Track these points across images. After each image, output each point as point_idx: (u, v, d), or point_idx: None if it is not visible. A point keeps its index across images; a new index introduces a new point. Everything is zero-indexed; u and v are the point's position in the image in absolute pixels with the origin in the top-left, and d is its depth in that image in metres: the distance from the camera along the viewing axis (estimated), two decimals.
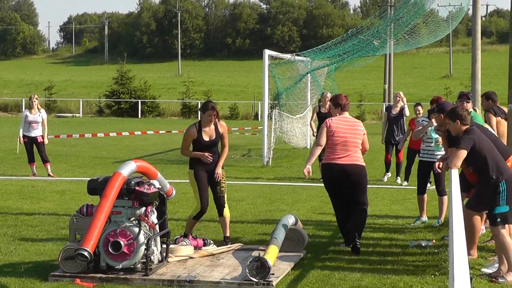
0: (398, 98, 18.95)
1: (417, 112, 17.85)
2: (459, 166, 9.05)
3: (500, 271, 9.04)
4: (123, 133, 31.43)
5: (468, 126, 9.15)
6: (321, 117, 18.74)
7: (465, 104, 11.07)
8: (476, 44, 18.81)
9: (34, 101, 19.62)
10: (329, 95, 19.11)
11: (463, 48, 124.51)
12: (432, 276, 9.05)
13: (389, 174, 19.10)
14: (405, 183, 18.22)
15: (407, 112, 18.72)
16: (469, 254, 9.13)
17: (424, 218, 13.04)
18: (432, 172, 12.87)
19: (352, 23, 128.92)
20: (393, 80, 58.70)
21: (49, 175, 19.39)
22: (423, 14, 23.35)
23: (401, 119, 18.75)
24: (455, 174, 8.71)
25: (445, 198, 12.72)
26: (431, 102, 12.78)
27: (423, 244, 10.97)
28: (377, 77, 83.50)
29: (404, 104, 18.92)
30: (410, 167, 18.17)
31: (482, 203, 9.29)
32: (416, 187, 13.24)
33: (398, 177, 18.83)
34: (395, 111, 18.85)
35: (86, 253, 8.48)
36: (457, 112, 9.22)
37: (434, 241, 11.16)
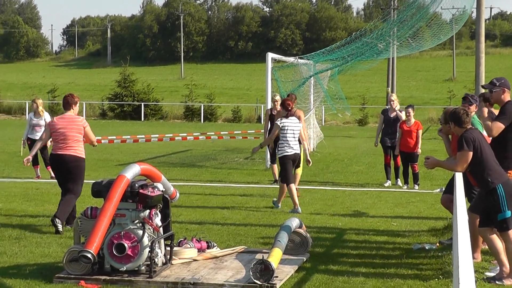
0: (392, 102, 18.98)
1: (408, 114, 18.03)
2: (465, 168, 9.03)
3: (503, 272, 9.03)
4: (127, 141, 31.27)
5: (467, 128, 9.11)
6: (272, 119, 18.70)
7: (468, 107, 11.00)
8: (479, 47, 18.74)
9: (38, 105, 19.62)
10: (278, 97, 19.33)
11: (466, 51, 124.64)
12: (436, 279, 9.05)
13: (389, 182, 18.93)
14: (405, 186, 18.33)
15: (402, 116, 18.63)
16: (472, 257, 9.12)
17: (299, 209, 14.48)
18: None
19: (355, 26, 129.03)
20: (396, 83, 58.69)
21: (52, 177, 19.39)
22: (427, 17, 23.33)
23: (398, 122, 18.68)
24: (459, 177, 8.72)
25: (284, 186, 14.49)
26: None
27: (427, 247, 10.97)
28: (380, 80, 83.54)
29: (396, 106, 18.93)
30: (406, 170, 18.41)
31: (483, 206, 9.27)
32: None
33: (398, 179, 18.88)
34: (392, 114, 18.86)
35: (89, 255, 8.52)
36: (455, 114, 9.20)
37: (437, 244, 11.16)
